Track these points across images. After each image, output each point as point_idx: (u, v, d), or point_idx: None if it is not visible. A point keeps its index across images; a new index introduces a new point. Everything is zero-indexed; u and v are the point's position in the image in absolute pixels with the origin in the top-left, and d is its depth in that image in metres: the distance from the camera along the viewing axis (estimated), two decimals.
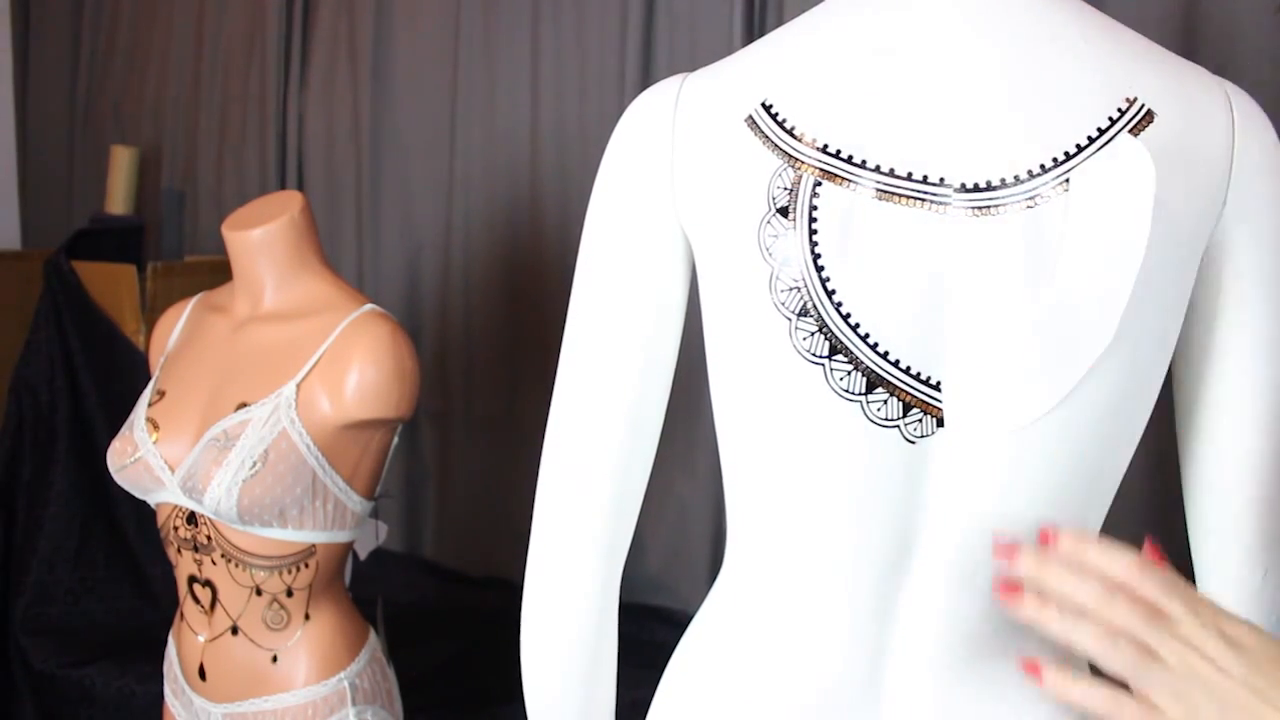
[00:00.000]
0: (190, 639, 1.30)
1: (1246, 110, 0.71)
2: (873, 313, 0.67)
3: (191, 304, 1.41)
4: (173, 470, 1.23)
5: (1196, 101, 0.69)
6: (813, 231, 0.68)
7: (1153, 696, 0.57)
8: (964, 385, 0.68)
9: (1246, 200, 0.70)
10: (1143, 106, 0.66)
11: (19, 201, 3.05)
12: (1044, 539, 0.61)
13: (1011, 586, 0.61)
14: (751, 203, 0.70)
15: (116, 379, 2.20)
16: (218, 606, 1.26)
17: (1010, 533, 0.65)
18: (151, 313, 2.20)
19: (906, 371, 0.68)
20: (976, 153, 0.66)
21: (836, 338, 0.68)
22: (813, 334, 0.68)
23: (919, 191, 0.67)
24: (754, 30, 1.90)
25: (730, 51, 0.80)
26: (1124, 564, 0.58)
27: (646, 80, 2.00)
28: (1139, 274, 0.65)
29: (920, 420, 0.69)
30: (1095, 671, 0.61)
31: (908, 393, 0.68)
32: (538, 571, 0.84)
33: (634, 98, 0.79)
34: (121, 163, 2.57)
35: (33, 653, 2.05)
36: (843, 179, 0.67)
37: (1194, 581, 0.78)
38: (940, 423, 0.69)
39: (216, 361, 1.29)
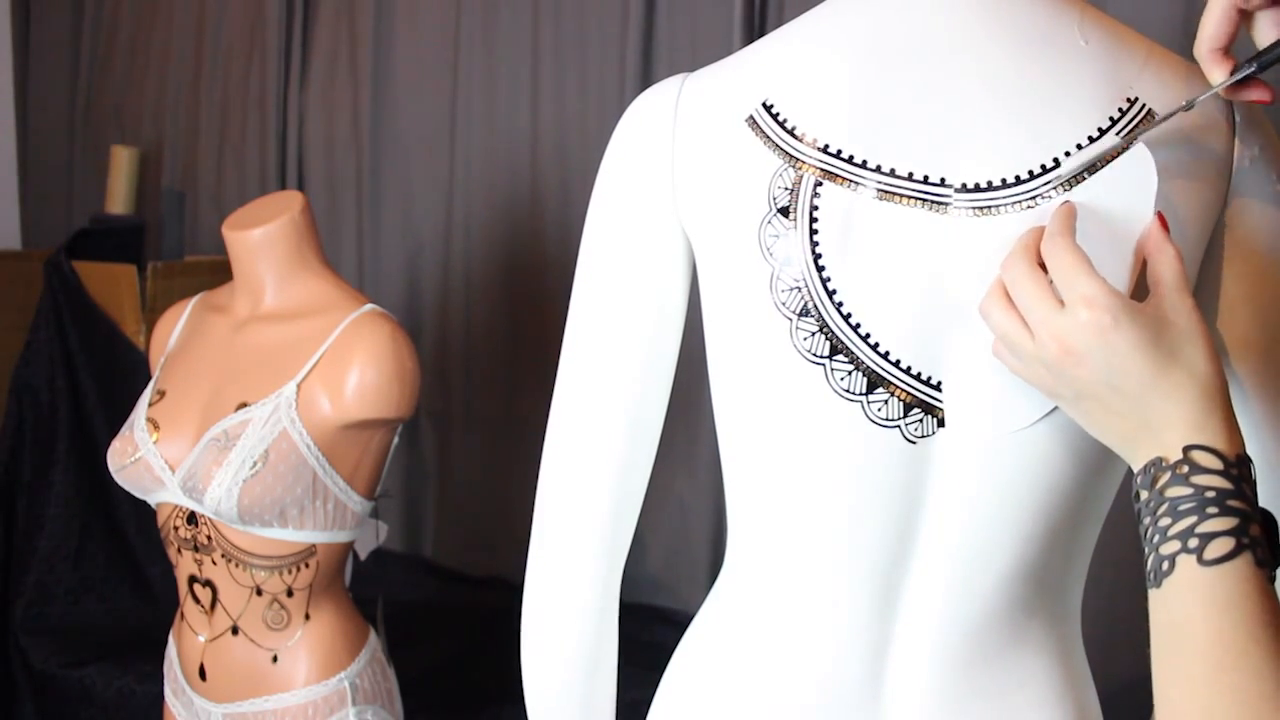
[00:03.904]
0: (190, 639, 1.30)
1: (1246, 109, 0.71)
2: (873, 313, 0.67)
3: (191, 304, 1.41)
4: (173, 470, 1.23)
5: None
6: (813, 231, 0.68)
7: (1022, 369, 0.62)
8: (965, 385, 0.68)
9: (1246, 200, 0.70)
10: (1143, 106, 0.67)
11: (19, 201, 3.05)
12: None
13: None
14: (752, 203, 0.70)
15: (116, 379, 2.20)
16: (218, 606, 1.26)
17: (999, 546, 0.67)
18: (151, 313, 2.20)
19: (907, 372, 0.68)
20: (977, 153, 0.66)
21: (837, 338, 0.68)
22: (813, 334, 0.68)
23: (920, 192, 0.67)
24: (754, 30, 1.90)
25: (730, 51, 0.80)
26: (1057, 250, 0.60)
27: (646, 80, 2.00)
28: (1138, 274, 0.65)
29: (921, 420, 0.69)
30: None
31: (908, 393, 0.68)
32: (538, 572, 0.84)
33: (634, 98, 0.79)
34: (121, 163, 2.57)
35: (33, 653, 2.06)
36: (843, 179, 0.67)
37: None
38: (941, 423, 0.69)
39: (217, 361, 1.29)
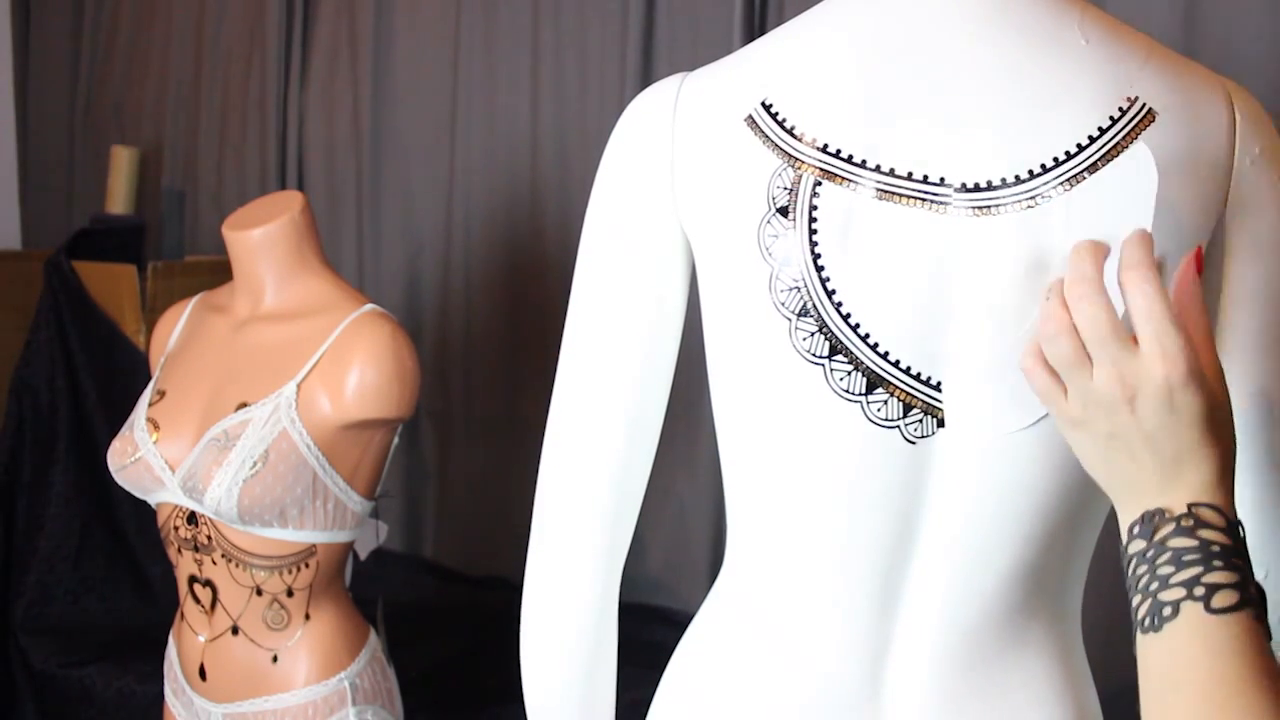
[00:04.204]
0: (190, 639, 1.30)
1: (1247, 109, 0.70)
2: (873, 313, 0.67)
3: (192, 304, 1.41)
4: (173, 470, 1.23)
5: (1197, 100, 0.69)
6: (813, 231, 0.68)
7: (1068, 392, 0.61)
8: (964, 386, 0.68)
9: (1247, 199, 0.70)
10: (1144, 106, 0.66)
11: (19, 201, 3.05)
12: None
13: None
14: (751, 202, 0.70)
15: (116, 379, 2.20)
16: (218, 606, 1.26)
17: (999, 546, 0.67)
18: (151, 313, 2.20)
19: (907, 372, 0.68)
20: (977, 152, 0.66)
21: (836, 338, 0.68)
22: (813, 334, 0.68)
23: (919, 191, 0.67)
24: (754, 30, 1.90)
25: (730, 51, 0.80)
26: (1143, 287, 0.59)
27: (646, 80, 1.99)
28: None
29: (920, 420, 0.69)
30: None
31: (908, 393, 0.68)
32: (537, 572, 0.84)
33: (634, 98, 0.79)
34: (121, 163, 2.57)
35: (33, 653, 2.06)
36: (843, 179, 0.67)
37: None
38: (941, 423, 0.69)
39: (217, 361, 1.29)
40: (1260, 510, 0.74)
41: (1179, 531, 0.57)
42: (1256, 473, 0.74)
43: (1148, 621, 0.57)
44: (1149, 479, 0.59)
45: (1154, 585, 0.57)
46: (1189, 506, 0.58)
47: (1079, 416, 0.61)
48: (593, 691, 0.86)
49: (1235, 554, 0.57)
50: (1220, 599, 0.55)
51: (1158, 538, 0.58)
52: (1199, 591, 0.56)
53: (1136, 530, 0.59)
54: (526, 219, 2.21)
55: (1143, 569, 0.58)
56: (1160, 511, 0.59)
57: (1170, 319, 0.58)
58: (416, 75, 2.33)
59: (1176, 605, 0.56)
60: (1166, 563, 0.57)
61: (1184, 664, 0.56)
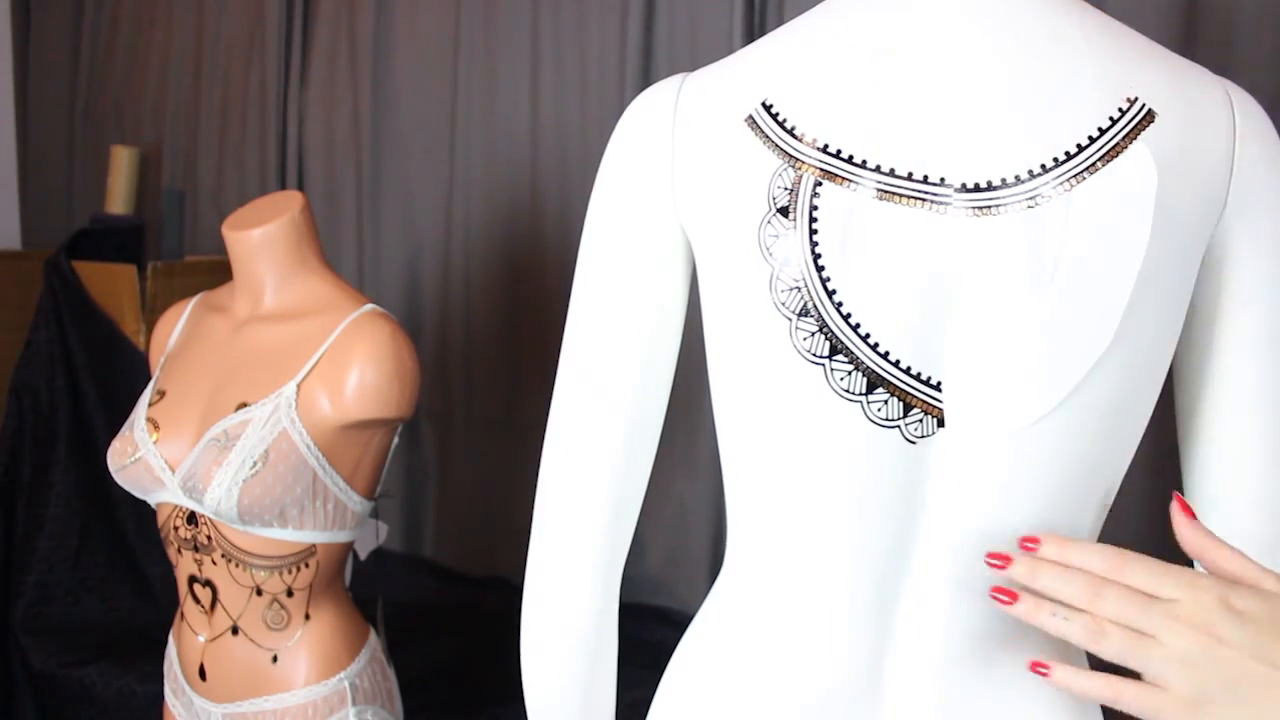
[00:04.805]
0: (190, 639, 1.30)
1: (1247, 110, 0.70)
2: (873, 313, 0.67)
3: (191, 304, 1.41)
4: (173, 470, 1.23)
5: (1197, 101, 0.69)
6: (813, 231, 0.68)
7: (1156, 677, 0.57)
8: (965, 386, 0.68)
9: (1247, 200, 0.70)
10: (1143, 106, 0.66)
11: (19, 201, 3.05)
12: (1026, 546, 0.63)
13: (1005, 590, 0.63)
14: (752, 203, 0.70)
15: (116, 379, 2.20)
16: (218, 606, 1.26)
17: (999, 546, 0.68)
18: (151, 313, 2.20)
19: (907, 372, 0.68)
20: (977, 152, 0.66)
21: (837, 338, 0.68)
22: (813, 334, 0.68)
23: (919, 191, 0.67)
24: (754, 30, 1.90)
25: (730, 51, 0.80)
26: (1103, 557, 0.60)
27: (646, 80, 2.00)
28: (1140, 274, 0.65)
29: (921, 420, 0.69)
30: (1098, 665, 0.61)
31: (908, 393, 0.68)
32: (538, 572, 0.84)
33: (634, 98, 0.79)
34: (121, 163, 2.58)
35: (33, 653, 2.06)
36: (843, 179, 0.67)
37: None
38: (941, 423, 0.69)
39: (217, 361, 1.29)
40: (1261, 508, 0.74)
41: None
42: (1258, 473, 0.74)
43: None
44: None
45: None
46: None
47: (1190, 694, 0.57)
48: (593, 692, 0.86)
49: None
50: None
51: None
52: None
53: None
54: (526, 219, 2.21)
55: None
56: None
57: (1174, 569, 0.59)
58: (416, 75, 2.33)
59: None
60: None
61: None
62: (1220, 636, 0.56)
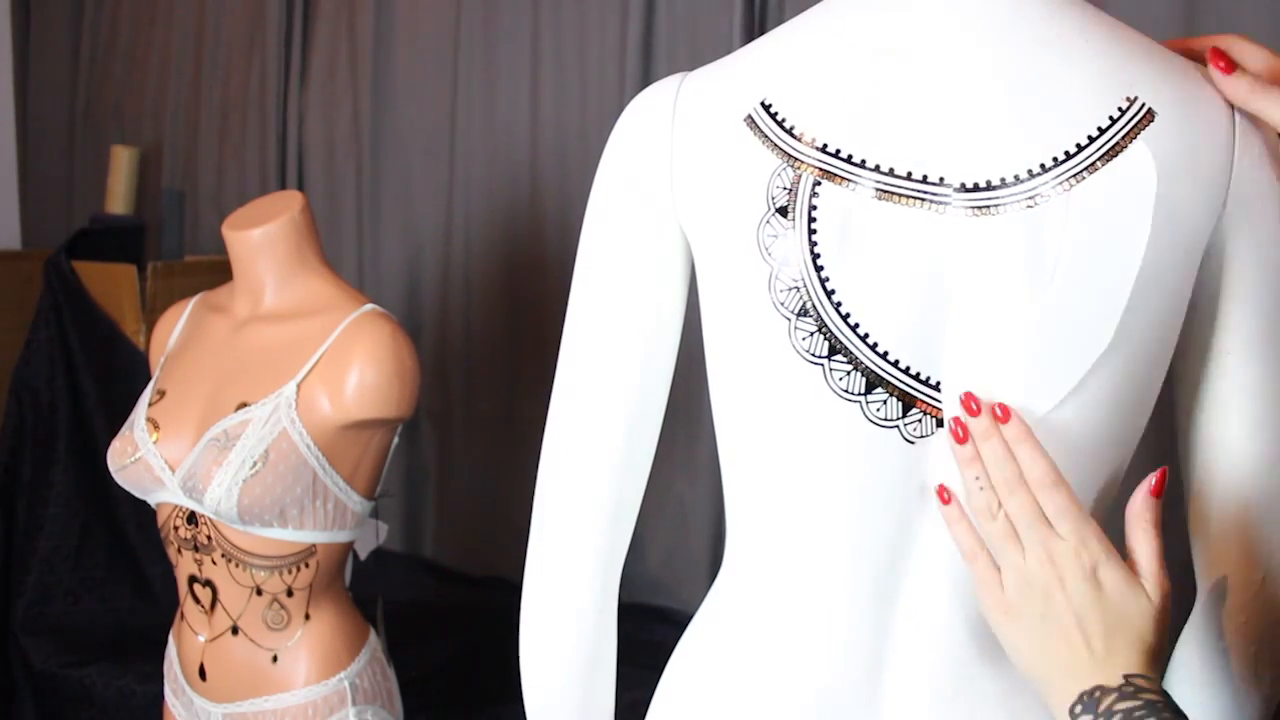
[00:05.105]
0: (190, 639, 1.30)
1: (1247, 111, 0.70)
2: (872, 313, 0.67)
3: (191, 304, 1.41)
4: (173, 470, 1.23)
5: (1197, 101, 0.69)
6: (812, 231, 0.68)
7: (1003, 573, 0.66)
8: (964, 385, 0.68)
9: (1247, 199, 0.69)
10: (1143, 106, 0.66)
11: (19, 201, 3.05)
12: (995, 413, 0.67)
13: (959, 433, 0.68)
14: (750, 202, 0.70)
15: (116, 379, 2.20)
16: (218, 606, 1.26)
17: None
18: (151, 313, 2.20)
19: (906, 371, 0.68)
20: (976, 152, 0.66)
21: (836, 338, 0.68)
22: (812, 334, 0.68)
23: (918, 191, 0.67)
24: (754, 30, 1.90)
25: (730, 51, 0.80)
26: (1039, 470, 0.66)
27: (646, 80, 2.00)
28: (1139, 274, 0.65)
29: (920, 420, 0.69)
30: None
31: (907, 393, 0.68)
32: (537, 572, 0.84)
33: (634, 98, 0.79)
34: (121, 163, 2.58)
35: (33, 653, 2.06)
36: (842, 179, 0.67)
37: (1193, 582, 0.78)
38: (940, 423, 0.69)
39: (217, 361, 1.29)
40: (1253, 512, 0.74)
41: (1122, 698, 0.61)
42: (1253, 475, 0.74)
43: None
44: (1083, 661, 0.63)
45: None
46: (1125, 678, 0.62)
47: (1014, 601, 0.65)
48: (592, 692, 0.86)
49: (1175, 712, 0.61)
50: None
51: (1102, 708, 0.61)
52: None
53: (1079, 709, 0.62)
54: (526, 219, 2.21)
55: None
56: (1099, 688, 0.62)
57: (1081, 517, 0.65)
58: (416, 75, 2.33)
59: None
60: None
61: None
62: (1066, 585, 0.64)
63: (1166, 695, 0.61)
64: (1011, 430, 0.66)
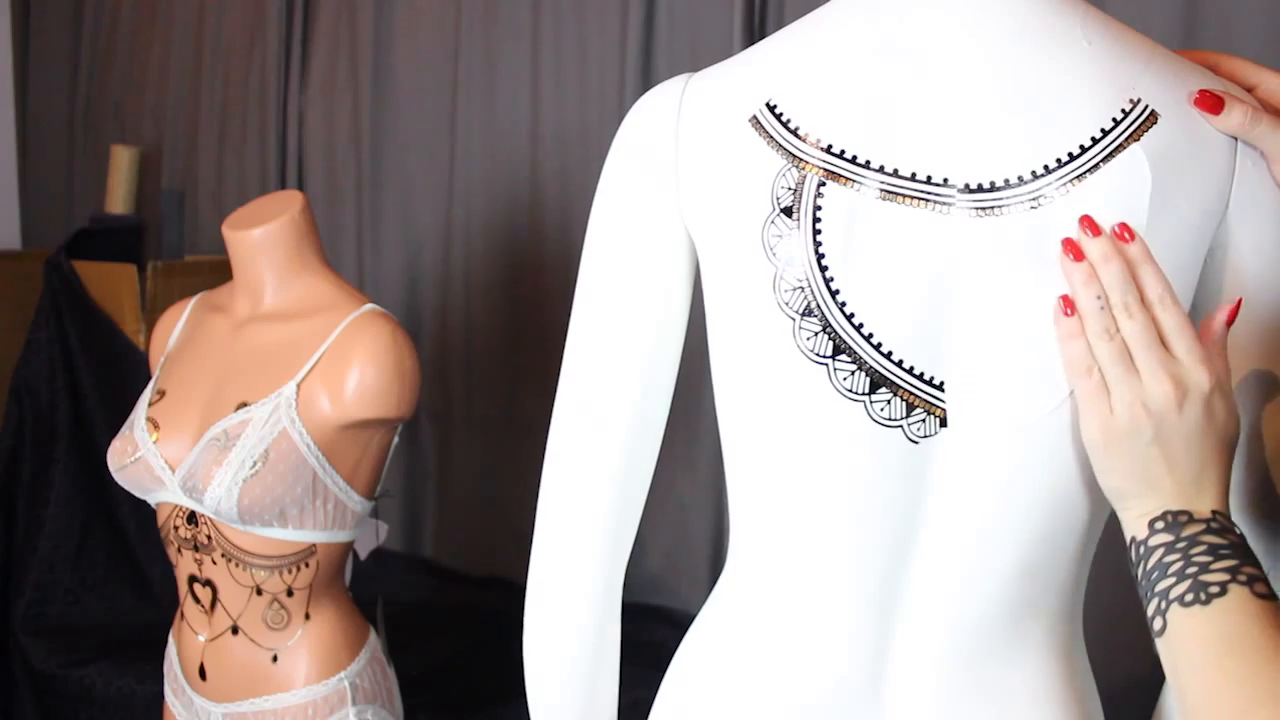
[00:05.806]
0: (190, 639, 1.30)
1: None
2: (876, 313, 0.67)
3: (191, 304, 1.41)
4: (173, 470, 1.23)
5: None
6: (817, 231, 0.68)
7: (1113, 398, 0.64)
8: (967, 385, 0.68)
9: (1249, 201, 0.69)
10: (1146, 107, 0.66)
11: (19, 201, 3.05)
12: (1118, 233, 0.66)
13: (1074, 249, 0.66)
14: (755, 203, 0.70)
15: (116, 379, 2.20)
16: (218, 606, 1.26)
17: (1000, 546, 0.71)
18: (151, 313, 2.20)
19: (910, 372, 0.68)
20: (980, 153, 0.66)
21: (840, 338, 0.68)
22: (816, 334, 0.68)
23: (923, 192, 0.67)
24: (754, 31, 1.90)
25: (730, 52, 0.80)
26: (1158, 289, 0.64)
27: (646, 80, 2.00)
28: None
29: (923, 420, 0.69)
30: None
31: (911, 393, 0.68)
32: (541, 572, 0.84)
33: (634, 98, 0.79)
34: (121, 163, 2.58)
35: (33, 653, 2.06)
36: (847, 179, 0.67)
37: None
38: (943, 423, 0.69)
39: (217, 361, 1.29)
40: (1258, 504, 0.74)
41: (1209, 531, 0.62)
42: (1256, 470, 0.74)
43: (1190, 597, 0.61)
44: (1171, 485, 0.64)
45: (1191, 569, 0.62)
46: (1213, 513, 0.63)
47: (1123, 423, 0.64)
48: (596, 692, 0.86)
49: (1258, 564, 0.62)
50: (1260, 588, 0.61)
51: (1187, 533, 0.62)
52: (1242, 578, 0.61)
53: (1160, 525, 0.63)
54: (526, 219, 2.21)
55: (1173, 556, 0.62)
56: (1185, 512, 0.63)
57: (1195, 335, 0.64)
58: (416, 75, 2.33)
59: (1224, 586, 0.61)
60: (1203, 553, 0.62)
61: (1238, 634, 0.60)
62: (1183, 408, 0.63)
63: (1245, 541, 0.62)
64: (1134, 250, 0.65)
